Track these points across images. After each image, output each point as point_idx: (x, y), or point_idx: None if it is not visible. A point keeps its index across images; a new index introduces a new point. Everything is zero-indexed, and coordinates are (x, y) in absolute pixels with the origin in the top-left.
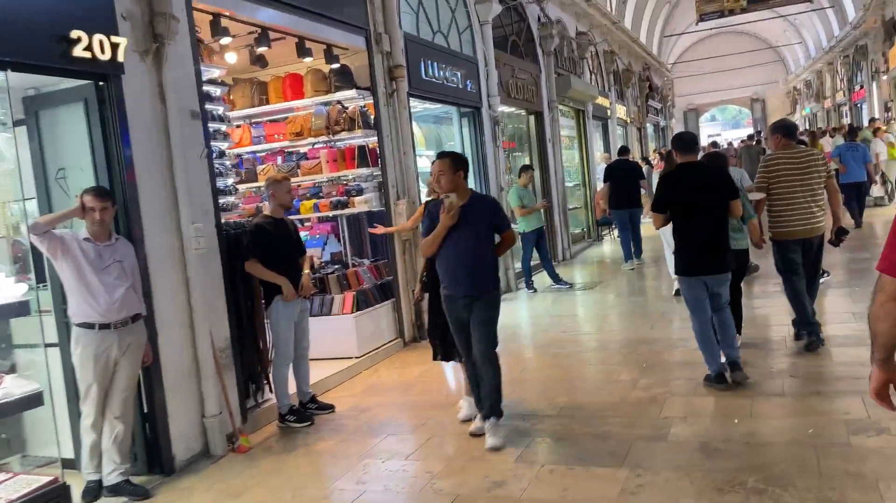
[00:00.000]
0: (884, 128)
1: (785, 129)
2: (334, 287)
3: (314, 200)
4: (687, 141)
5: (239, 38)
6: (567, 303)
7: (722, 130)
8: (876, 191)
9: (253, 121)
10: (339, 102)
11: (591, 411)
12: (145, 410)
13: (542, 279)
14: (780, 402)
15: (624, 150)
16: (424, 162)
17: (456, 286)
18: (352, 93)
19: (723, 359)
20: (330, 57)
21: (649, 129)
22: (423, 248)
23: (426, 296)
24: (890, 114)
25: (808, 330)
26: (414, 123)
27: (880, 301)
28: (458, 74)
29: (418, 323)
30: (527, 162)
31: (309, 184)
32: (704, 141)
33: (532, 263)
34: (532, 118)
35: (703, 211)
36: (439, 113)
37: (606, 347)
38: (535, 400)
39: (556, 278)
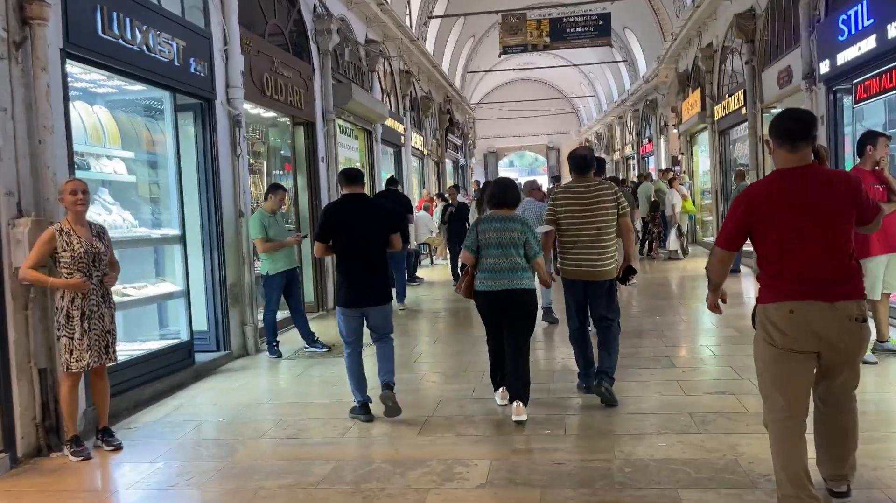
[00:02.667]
0: (679, 179)
1: (574, 161)
2: None
3: None
4: (351, 174)
5: None
6: (317, 379)
7: (519, 176)
8: (672, 244)
9: None
10: None
11: None
12: None
13: (293, 338)
14: None
15: (392, 181)
16: (119, 166)
17: None
18: None
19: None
20: None
21: (448, 165)
22: None
23: None
24: (679, 167)
25: (584, 383)
26: (101, 108)
27: (714, 262)
28: (175, 46)
29: (47, 423)
30: (290, 182)
31: None
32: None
33: (280, 316)
34: (301, 130)
35: (363, 242)
36: (156, 102)
37: (336, 479)
38: None
39: (310, 338)
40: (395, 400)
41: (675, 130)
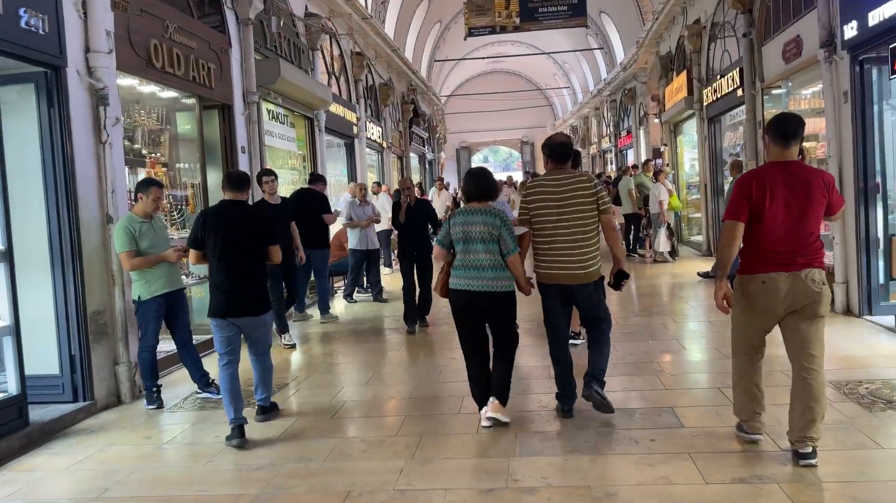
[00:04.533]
0: (665, 171)
1: (550, 149)
2: None
3: None
4: (235, 179)
5: None
6: (191, 448)
7: (494, 172)
8: (662, 245)
9: None
10: None
11: None
12: None
13: (184, 379)
14: None
15: (315, 178)
16: None
17: None
18: None
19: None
20: None
21: (414, 159)
22: None
23: None
24: (662, 160)
25: (564, 405)
26: None
27: (725, 237)
28: None
29: None
30: (198, 178)
31: None
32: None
33: (161, 353)
34: (215, 114)
35: (236, 250)
36: None
37: None
38: None
39: (203, 380)
40: (273, 414)
41: (656, 120)
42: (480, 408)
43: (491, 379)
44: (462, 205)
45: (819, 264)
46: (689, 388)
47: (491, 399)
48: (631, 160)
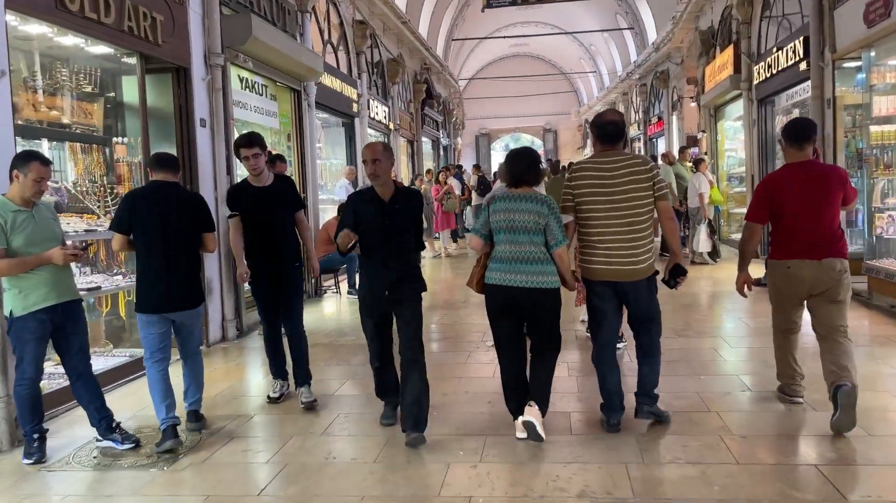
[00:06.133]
0: (706, 160)
1: (600, 128)
2: None
3: None
4: (163, 159)
5: None
6: None
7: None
8: (702, 244)
9: None
10: None
11: None
12: None
13: (80, 420)
14: None
15: (274, 159)
16: None
17: None
18: None
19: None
20: None
21: (426, 144)
22: None
23: None
24: (698, 149)
25: (611, 419)
26: None
27: (747, 236)
28: None
29: None
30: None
31: None
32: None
33: (51, 384)
34: (168, 80)
35: (168, 237)
36: None
37: None
38: None
39: (104, 424)
40: (204, 422)
41: (692, 104)
42: (515, 418)
43: (529, 388)
44: (474, 193)
45: (839, 254)
46: (772, 464)
47: (529, 403)
48: (662, 149)
